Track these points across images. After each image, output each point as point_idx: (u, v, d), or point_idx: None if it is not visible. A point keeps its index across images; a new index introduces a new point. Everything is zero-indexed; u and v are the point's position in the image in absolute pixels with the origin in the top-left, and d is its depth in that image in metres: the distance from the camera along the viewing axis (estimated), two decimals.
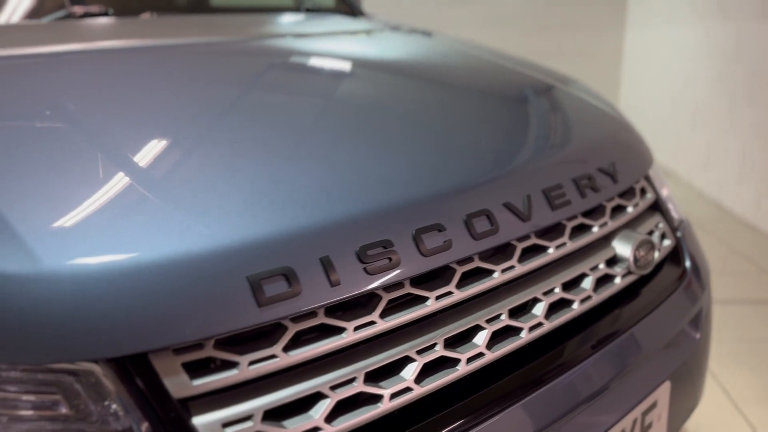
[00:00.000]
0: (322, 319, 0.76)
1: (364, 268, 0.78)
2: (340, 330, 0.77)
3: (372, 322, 0.79)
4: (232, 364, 0.69)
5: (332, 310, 0.77)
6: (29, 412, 0.64)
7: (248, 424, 0.69)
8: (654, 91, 5.48)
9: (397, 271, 0.80)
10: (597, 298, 1.04)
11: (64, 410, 0.65)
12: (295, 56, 1.45)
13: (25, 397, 0.64)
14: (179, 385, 0.66)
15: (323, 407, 0.73)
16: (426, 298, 0.84)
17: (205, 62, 1.28)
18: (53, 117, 0.93)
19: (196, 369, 0.68)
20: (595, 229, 1.07)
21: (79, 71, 1.14)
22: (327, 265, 0.75)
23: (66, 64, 1.16)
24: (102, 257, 0.66)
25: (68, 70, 1.13)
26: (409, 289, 0.83)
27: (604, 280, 1.08)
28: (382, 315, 0.80)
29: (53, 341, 0.63)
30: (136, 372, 0.66)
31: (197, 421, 0.67)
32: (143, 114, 0.97)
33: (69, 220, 0.70)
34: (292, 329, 0.73)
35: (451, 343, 0.86)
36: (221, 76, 1.21)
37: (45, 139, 0.85)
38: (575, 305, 1.00)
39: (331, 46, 1.60)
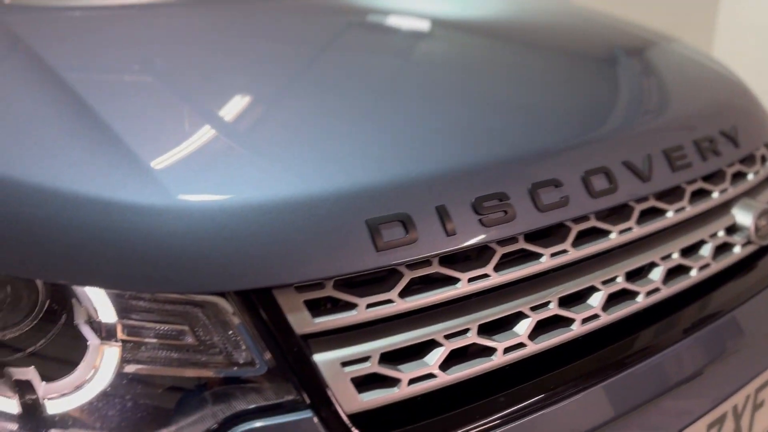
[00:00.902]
0: (436, 268, 0.75)
1: (480, 220, 0.76)
2: (454, 281, 0.76)
3: (486, 275, 0.77)
4: (351, 306, 0.70)
5: (446, 261, 0.76)
6: (154, 340, 0.66)
7: (366, 364, 0.69)
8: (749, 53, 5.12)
9: (513, 225, 0.78)
10: (716, 267, 0.98)
11: (189, 340, 0.67)
12: (394, 12, 1.43)
13: (151, 326, 0.66)
14: (301, 321, 0.67)
15: (437, 355, 0.73)
16: (540, 255, 0.82)
17: (303, 15, 1.28)
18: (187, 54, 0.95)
19: (316, 308, 0.69)
20: (715, 194, 1.02)
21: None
22: (443, 214, 0.74)
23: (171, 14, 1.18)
24: (233, 193, 0.67)
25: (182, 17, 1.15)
26: (523, 245, 0.81)
27: (722, 249, 1.02)
28: (496, 269, 0.78)
29: (182, 273, 0.64)
30: (260, 306, 0.66)
31: (318, 358, 0.67)
32: (257, 65, 0.98)
33: (200, 158, 0.71)
34: (408, 276, 0.73)
35: (565, 303, 0.84)
36: (323, 29, 1.21)
37: (172, 77, 0.87)
38: (693, 272, 0.95)
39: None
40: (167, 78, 0.89)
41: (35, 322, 0.68)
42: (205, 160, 0.72)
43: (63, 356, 0.68)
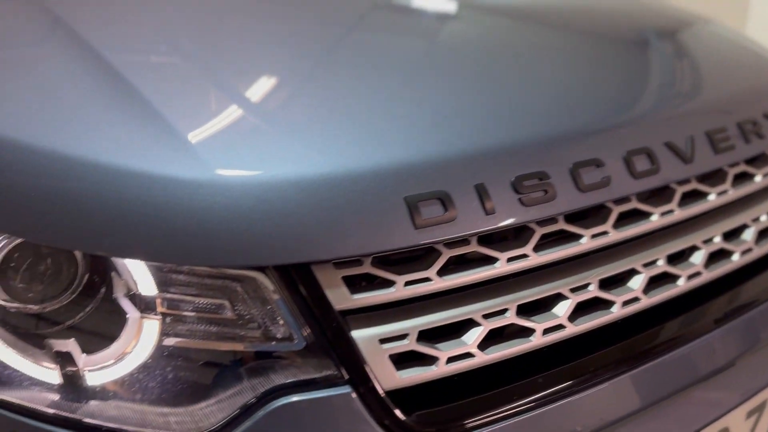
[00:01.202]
0: (474, 247, 0.74)
1: (519, 199, 0.75)
2: (492, 260, 0.74)
3: (525, 255, 0.76)
4: (389, 283, 0.69)
5: (485, 240, 0.75)
6: (193, 314, 0.66)
7: (404, 342, 0.68)
8: None
9: (553, 205, 0.76)
10: (758, 251, 0.96)
11: (227, 314, 0.67)
12: None
13: (190, 299, 0.66)
14: (340, 297, 0.66)
15: (476, 334, 0.72)
16: (580, 236, 0.80)
17: None
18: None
19: (353, 285, 0.68)
20: (758, 178, 0.99)
21: None
22: (482, 193, 0.73)
23: None
24: (272, 169, 0.66)
25: None
26: (563, 225, 0.79)
27: (765, 234, 1.00)
28: (536, 249, 0.77)
29: (221, 247, 0.64)
30: (299, 281, 0.66)
31: (356, 334, 0.67)
32: (294, 42, 0.98)
33: (240, 133, 0.71)
34: (446, 254, 0.72)
35: (605, 285, 0.82)
36: (359, 5, 1.19)
37: (210, 54, 0.87)
38: (736, 256, 0.93)
39: None
40: (205, 55, 0.89)
41: (75, 295, 0.68)
42: (245, 135, 0.71)
43: (102, 329, 0.68)
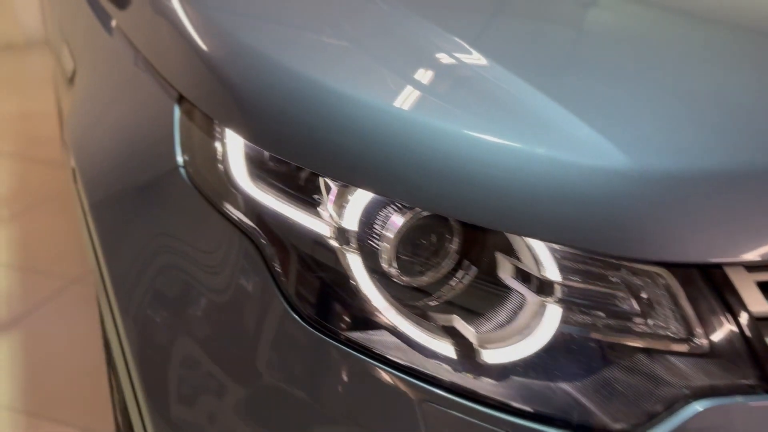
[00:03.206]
0: None
1: None
2: None
3: None
4: None
5: None
6: (592, 304, 0.66)
7: None
8: None
9: None
10: None
11: (629, 308, 0.66)
12: None
13: (591, 288, 0.66)
14: (755, 302, 0.64)
15: None
16: None
17: None
18: None
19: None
20: None
21: None
22: None
23: None
24: (689, 162, 0.65)
25: None
26: None
27: None
28: None
29: (631, 238, 0.64)
30: (710, 282, 0.65)
31: None
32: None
33: (655, 123, 0.70)
34: None
35: None
36: None
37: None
38: None
39: None
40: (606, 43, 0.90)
41: (460, 270, 0.71)
42: (660, 127, 0.69)
43: (485, 306, 0.70)
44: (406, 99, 0.70)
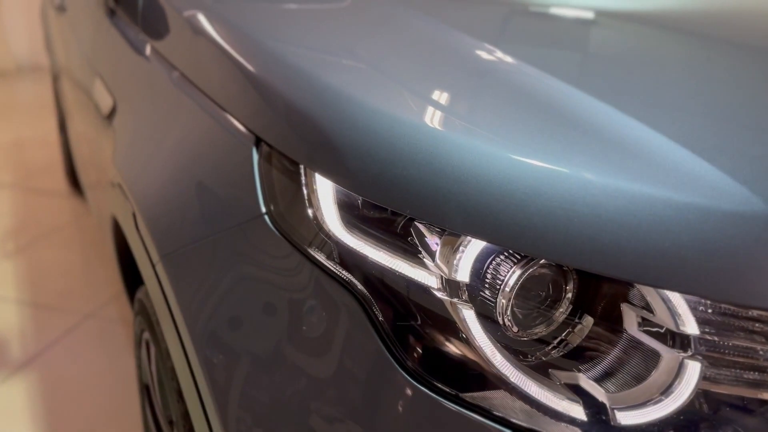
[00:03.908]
0: None
1: None
2: None
3: None
4: None
5: None
6: (732, 358, 0.62)
7: None
8: None
9: None
10: None
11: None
12: None
13: (730, 341, 0.63)
14: None
15: None
16: None
17: None
18: None
19: None
20: None
21: None
22: None
23: None
24: None
25: None
26: None
27: None
28: None
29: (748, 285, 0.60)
30: None
31: None
32: None
33: None
34: None
35: None
36: None
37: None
38: None
39: None
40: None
41: (575, 322, 0.67)
42: None
43: (612, 363, 0.66)
44: (533, 147, 0.65)
